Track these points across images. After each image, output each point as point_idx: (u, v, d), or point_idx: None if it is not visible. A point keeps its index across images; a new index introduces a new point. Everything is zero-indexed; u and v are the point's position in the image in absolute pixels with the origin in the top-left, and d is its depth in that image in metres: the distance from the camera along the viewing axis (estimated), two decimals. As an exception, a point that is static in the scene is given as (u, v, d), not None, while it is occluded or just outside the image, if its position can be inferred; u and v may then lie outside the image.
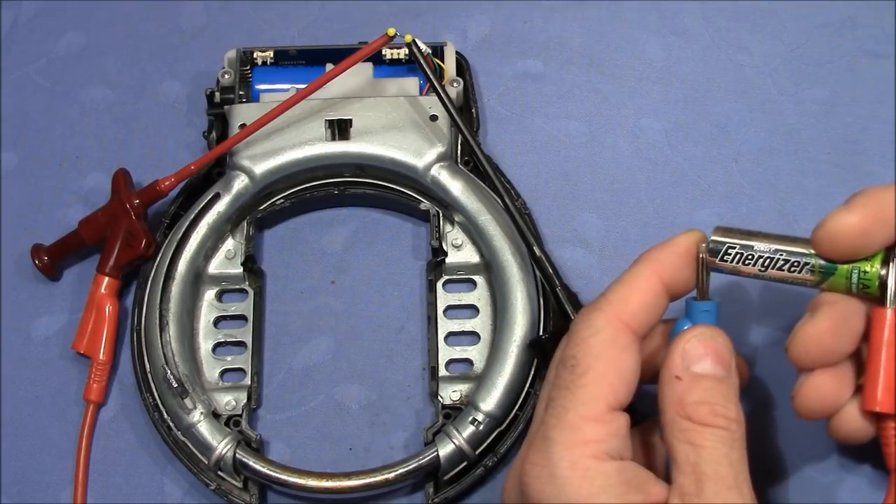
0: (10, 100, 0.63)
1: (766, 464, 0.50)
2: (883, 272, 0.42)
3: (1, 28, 0.65)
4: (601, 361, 0.41)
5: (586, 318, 0.43)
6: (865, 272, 0.42)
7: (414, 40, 0.55)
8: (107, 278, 0.55)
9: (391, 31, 0.54)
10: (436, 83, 0.55)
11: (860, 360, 0.45)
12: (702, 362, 0.41)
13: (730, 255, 0.44)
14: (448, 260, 0.56)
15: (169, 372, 0.52)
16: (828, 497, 0.50)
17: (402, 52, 0.59)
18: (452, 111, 0.55)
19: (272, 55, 0.60)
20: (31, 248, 0.57)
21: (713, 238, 0.44)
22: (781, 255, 0.43)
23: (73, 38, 0.65)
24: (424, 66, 0.55)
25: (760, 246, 0.44)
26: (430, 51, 0.56)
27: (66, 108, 0.63)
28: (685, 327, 0.43)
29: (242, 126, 0.56)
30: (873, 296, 0.43)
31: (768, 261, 0.44)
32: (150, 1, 0.66)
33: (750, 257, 0.44)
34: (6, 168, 0.61)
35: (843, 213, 0.42)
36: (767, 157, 0.59)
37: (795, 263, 0.43)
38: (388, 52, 0.59)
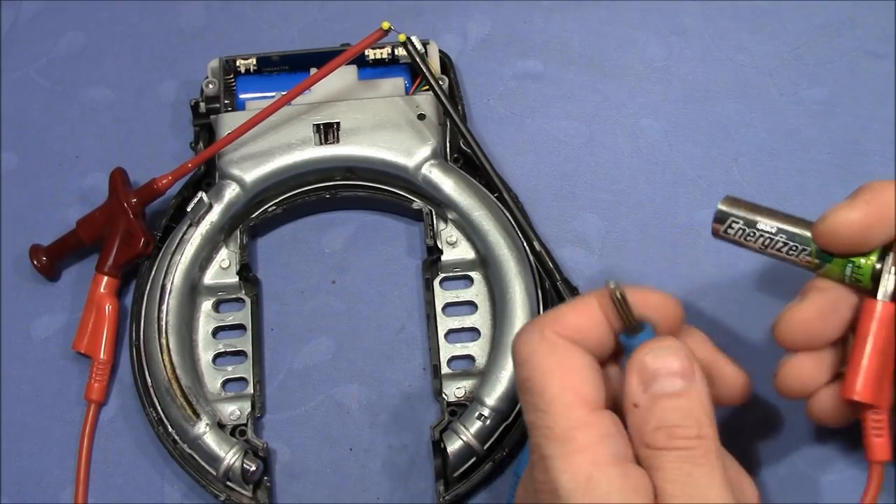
0: (10, 100, 0.63)
1: (764, 463, 0.50)
2: (878, 266, 0.42)
3: (1, 28, 0.65)
4: (553, 373, 0.40)
5: (520, 338, 0.41)
6: (859, 267, 0.42)
7: (409, 38, 0.55)
8: (106, 277, 0.55)
9: (385, 25, 0.54)
10: (431, 79, 0.55)
11: (844, 346, 0.45)
12: (657, 381, 0.40)
13: (733, 228, 0.44)
14: (444, 257, 0.56)
15: (173, 385, 0.52)
16: (828, 497, 0.50)
17: (385, 52, 0.60)
18: (446, 103, 0.55)
19: (255, 62, 0.60)
20: (30, 248, 0.57)
21: (720, 207, 0.44)
22: (782, 236, 0.44)
23: (73, 38, 0.65)
24: (420, 63, 0.55)
25: (764, 224, 0.44)
26: (423, 49, 0.56)
27: (66, 108, 0.63)
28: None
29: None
30: (865, 288, 0.43)
31: (769, 240, 0.44)
32: (150, 1, 0.66)
33: (752, 234, 0.44)
34: (6, 168, 0.61)
35: (845, 209, 0.42)
36: (767, 157, 0.59)
37: (794, 247, 0.43)
38: (371, 53, 0.60)
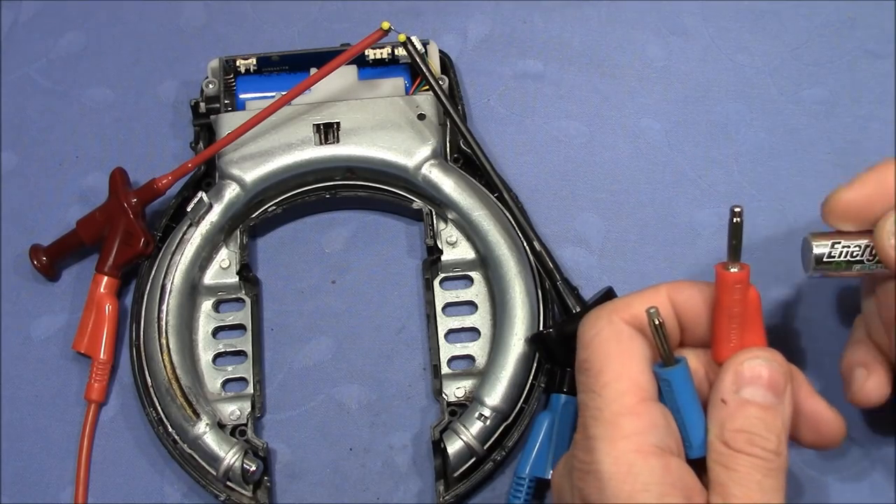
0: (10, 100, 0.63)
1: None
2: None
3: (1, 28, 0.65)
4: (613, 359, 0.41)
5: (588, 321, 0.43)
6: None
7: (409, 38, 0.55)
8: (106, 277, 0.55)
9: (385, 25, 0.54)
10: (431, 79, 0.55)
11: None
12: (751, 387, 0.41)
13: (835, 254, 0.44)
14: (444, 257, 0.56)
15: (173, 385, 0.52)
16: (827, 497, 0.50)
17: (386, 52, 0.60)
18: (446, 103, 0.55)
19: (255, 62, 0.60)
20: (30, 248, 0.57)
21: (814, 243, 0.44)
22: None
23: (73, 38, 0.65)
24: (420, 63, 0.55)
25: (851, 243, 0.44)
26: (423, 49, 0.56)
27: (66, 108, 0.63)
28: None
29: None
30: None
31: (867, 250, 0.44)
32: (150, 1, 0.66)
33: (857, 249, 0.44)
34: (6, 168, 0.61)
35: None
36: (767, 157, 0.59)
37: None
38: (371, 53, 0.60)
